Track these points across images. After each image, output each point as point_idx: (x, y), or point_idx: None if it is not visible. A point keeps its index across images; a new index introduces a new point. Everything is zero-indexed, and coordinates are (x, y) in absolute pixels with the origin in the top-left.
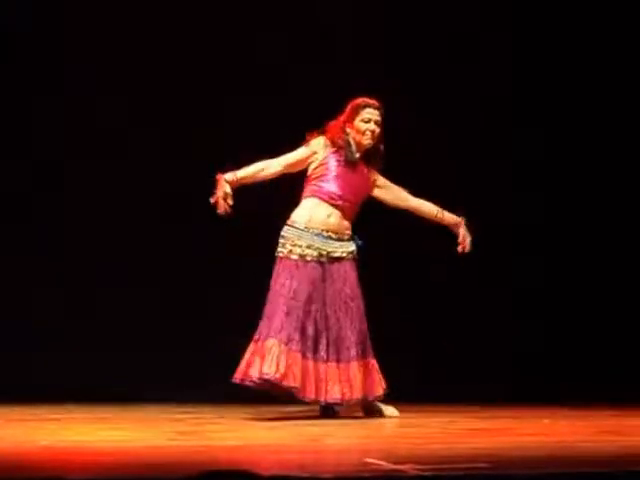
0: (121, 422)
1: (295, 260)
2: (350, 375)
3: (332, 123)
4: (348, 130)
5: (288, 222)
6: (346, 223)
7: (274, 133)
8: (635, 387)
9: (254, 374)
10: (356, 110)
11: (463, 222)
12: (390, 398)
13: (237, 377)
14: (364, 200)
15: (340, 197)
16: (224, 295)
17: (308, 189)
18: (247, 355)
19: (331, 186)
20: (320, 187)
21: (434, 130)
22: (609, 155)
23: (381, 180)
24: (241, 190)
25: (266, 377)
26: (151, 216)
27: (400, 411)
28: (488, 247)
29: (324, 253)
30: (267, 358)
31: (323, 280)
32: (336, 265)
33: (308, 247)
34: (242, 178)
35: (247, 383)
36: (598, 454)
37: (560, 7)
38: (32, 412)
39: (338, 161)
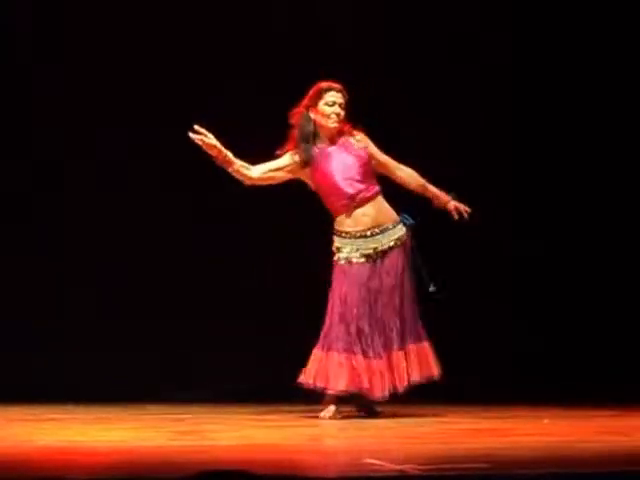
0: (121, 422)
1: (342, 265)
2: (394, 365)
3: (295, 110)
4: (312, 115)
5: (334, 230)
6: (383, 208)
7: (274, 133)
8: (635, 387)
9: (324, 384)
10: (319, 94)
11: (450, 199)
12: (390, 398)
13: (307, 381)
14: (372, 166)
15: (353, 195)
16: (224, 295)
17: (328, 205)
18: (314, 361)
19: (342, 192)
20: (337, 198)
21: (434, 130)
22: (609, 155)
23: (371, 148)
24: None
25: (340, 389)
26: (151, 216)
27: (400, 411)
28: (488, 247)
29: (370, 252)
30: (337, 369)
31: (371, 278)
32: (387, 260)
33: (352, 251)
34: (224, 154)
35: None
36: (598, 454)
37: (560, 7)
38: (32, 412)
39: (325, 156)
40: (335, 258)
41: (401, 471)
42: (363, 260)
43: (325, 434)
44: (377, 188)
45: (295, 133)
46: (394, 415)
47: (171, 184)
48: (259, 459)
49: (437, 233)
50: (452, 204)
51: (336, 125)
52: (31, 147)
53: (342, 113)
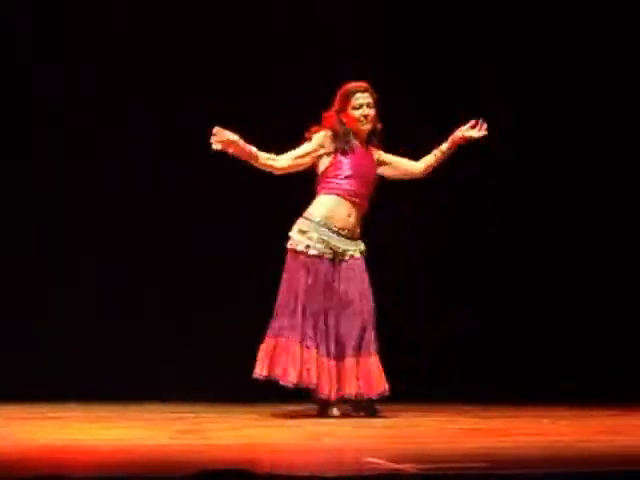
0: (121, 421)
1: (311, 256)
2: (347, 372)
3: (327, 115)
4: (344, 120)
5: (304, 215)
6: (360, 221)
7: (274, 134)
8: (635, 386)
9: (278, 374)
10: (346, 98)
11: (457, 137)
12: (389, 397)
13: (261, 373)
14: (375, 186)
15: (355, 193)
16: (224, 295)
17: (325, 186)
18: (266, 351)
19: (348, 183)
20: (339, 184)
21: (434, 130)
22: (608, 153)
23: (383, 156)
24: (238, 189)
25: (291, 382)
26: (151, 216)
27: (400, 410)
28: (488, 246)
29: (338, 251)
30: (290, 360)
31: (333, 279)
32: (345, 264)
33: (321, 242)
34: (248, 150)
35: (271, 379)
36: (598, 454)
37: (560, 7)
38: (32, 411)
39: (345, 153)
40: (301, 245)
41: (400, 470)
42: (328, 254)
43: (324, 433)
44: (367, 207)
45: (325, 126)
46: (393, 414)
47: (171, 184)
48: (259, 458)
49: (437, 231)
50: (460, 134)
51: (368, 126)
52: (31, 147)
53: (371, 113)
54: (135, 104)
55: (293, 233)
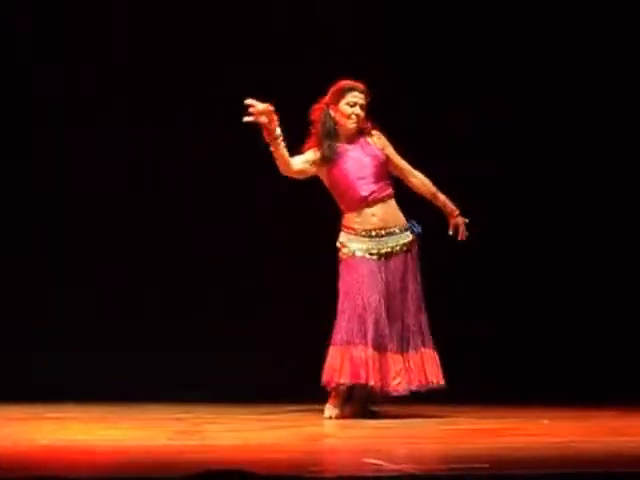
0: (120, 422)
1: (347, 259)
2: (407, 364)
3: (316, 106)
4: (333, 113)
5: (342, 226)
6: (393, 211)
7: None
8: (636, 387)
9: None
10: (341, 92)
11: (458, 214)
12: (389, 398)
13: (329, 381)
14: (387, 169)
15: (366, 197)
16: (224, 295)
17: (342, 201)
18: (336, 359)
19: (356, 192)
20: (351, 197)
21: (434, 130)
22: (609, 155)
23: (388, 150)
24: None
25: (359, 383)
26: (151, 216)
27: (400, 411)
28: (489, 247)
29: (374, 252)
30: (352, 364)
31: (378, 275)
32: (388, 262)
33: (360, 249)
34: (276, 132)
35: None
36: (598, 454)
37: (561, 8)
38: (31, 411)
39: (342, 155)
40: (340, 254)
41: (401, 471)
42: (366, 256)
43: (325, 434)
44: (390, 190)
45: (317, 129)
46: (394, 415)
47: (171, 184)
48: (259, 459)
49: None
50: (457, 219)
51: (355, 126)
52: (31, 147)
53: (362, 114)
54: (135, 104)
55: (340, 244)
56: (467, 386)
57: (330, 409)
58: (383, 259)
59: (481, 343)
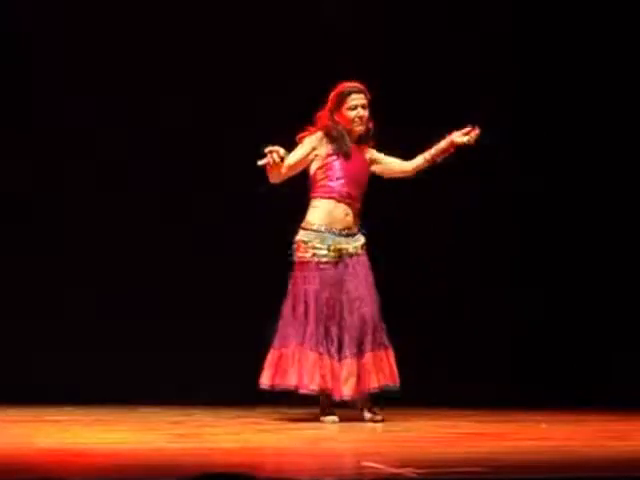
0: (120, 424)
1: (315, 263)
2: (361, 368)
3: (320, 114)
4: (338, 120)
5: (304, 225)
6: (357, 217)
7: (274, 134)
8: (633, 391)
9: (291, 383)
10: (341, 98)
11: (451, 138)
12: (387, 401)
13: (267, 383)
14: (367, 185)
15: (349, 195)
16: (224, 295)
17: (318, 190)
18: (272, 362)
19: (341, 185)
20: (332, 187)
21: (434, 130)
22: (609, 155)
23: (375, 155)
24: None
25: (308, 390)
26: (151, 216)
27: (398, 414)
28: (489, 247)
29: (344, 252)
30: (301, 369)
31: (340, 280)
32: (350, 262)
33: (328, 249)
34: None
35: (277, 390)
36: (596, 459)
37: (560, 8)
38: (31, 413)
39: (338, 154)
40: (307, 255)
41: (399, 475)
42: (331, 258)
43: (323, 437)
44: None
45: (318, 126)
46: (392, 419)
47: (171, 184)
48: (258, 462)
49: (436, 234)
50: (458, 139)
51: (361, 128)
52: (31, 147)
53: (365, 114)
54: (135, 104)
55: (296, 245)
56: (466, 390)
57: (325, 417)
58: (343, 262)
59: (479, 347)
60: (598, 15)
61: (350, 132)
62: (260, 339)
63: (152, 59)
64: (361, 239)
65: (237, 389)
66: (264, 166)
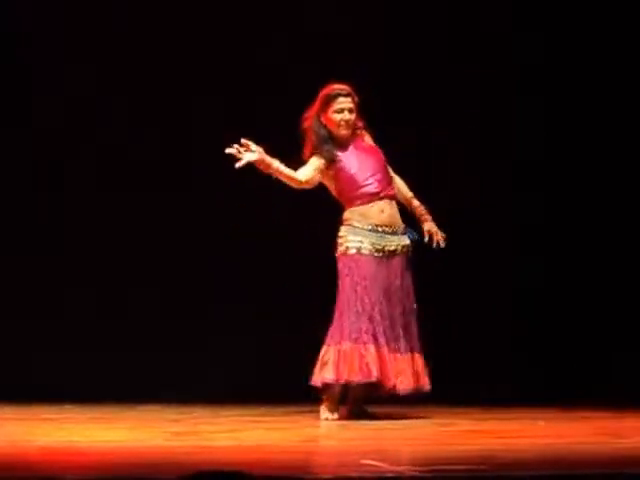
0: (117, 422)
1: (352, 255)
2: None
3: (307, 115)
4: (324, 122)
5: (344, 222)
6: (395, 212)
7: (274, 134)
8: (632, 388)
9: (343, 378)
10: (328, 101)
11: (430, 221)
12: (386, 400)
13: (329, 378)
14: (386, 164)
15: (378, 193)
16: (224, 295)
17: (348, 202)
18: (328, 358)
19: (367, 188)
20: (361, 195)
21: (434, 130)
22: (609, 155)
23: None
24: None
25: (358, 380)
26: (151, 216)
27: (398, 412)
28: (489, 247)
29: (379, 248)
30: (348, 362)
31: (381, 273)
32: (390, 260)
33: (362, 242)
34: (272, 166)
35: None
36: (594, 456)
37: (560, 8)
38: (29, 411)
39: (346, 155)
40: (342, 248)
41: (398, 472)
42: (372, 252)
43: (322, 435)
44: (395, 190)
45: (311, 137)
46: (391, 416)
47: (171, 184)
48: (256, 459)
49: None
50: (430, 225)
51: (347, 132)
52: (31, 147)
53: (352, 118)
54: (135, 103)
55: (339, 240)
56: (464, 388)
57: (325, 411)
58: (385, 259)
59: (478, 345)
60: (599, 23)
61: (335, 135)
62: (260, 339)
63: (152, 59)
64: (403, 240)
65: (234, 387)
66: (231, 155)
